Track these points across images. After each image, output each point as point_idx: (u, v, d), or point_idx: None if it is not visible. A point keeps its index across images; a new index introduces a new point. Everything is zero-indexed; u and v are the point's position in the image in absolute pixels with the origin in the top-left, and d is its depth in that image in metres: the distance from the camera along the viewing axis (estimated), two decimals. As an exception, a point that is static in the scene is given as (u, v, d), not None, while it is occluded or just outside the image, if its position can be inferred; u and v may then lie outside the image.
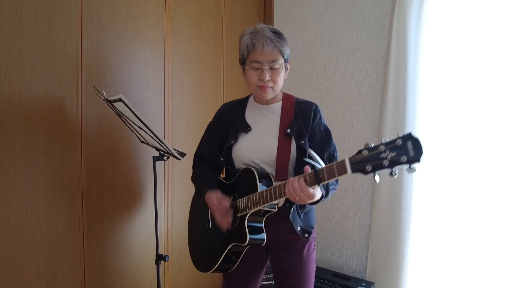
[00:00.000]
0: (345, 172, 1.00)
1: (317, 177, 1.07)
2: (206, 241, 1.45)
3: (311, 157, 1.12)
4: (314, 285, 2.18)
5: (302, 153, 1.30)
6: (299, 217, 1.37)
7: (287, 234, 1.36)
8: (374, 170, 0.95)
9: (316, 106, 1.38)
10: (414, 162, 0.89)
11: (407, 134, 0.90)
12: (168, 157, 1.64)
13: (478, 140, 1.98)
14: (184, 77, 2.04)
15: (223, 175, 1.51)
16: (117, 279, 1.75)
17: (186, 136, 2.08)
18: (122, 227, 1.76)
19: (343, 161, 1.00)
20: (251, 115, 1.41)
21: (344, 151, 2.41)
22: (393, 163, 0.91)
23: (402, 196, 2.15)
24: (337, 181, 1.31)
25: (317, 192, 1.15)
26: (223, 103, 1.88)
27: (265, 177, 1.29)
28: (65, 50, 1.47)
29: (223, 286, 1.55)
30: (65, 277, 1.52)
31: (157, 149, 1.61)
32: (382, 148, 0.93)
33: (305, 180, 1.09)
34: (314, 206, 1.42)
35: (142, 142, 1.67)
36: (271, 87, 1.30)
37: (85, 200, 1.57)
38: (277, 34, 1.29)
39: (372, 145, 0.95)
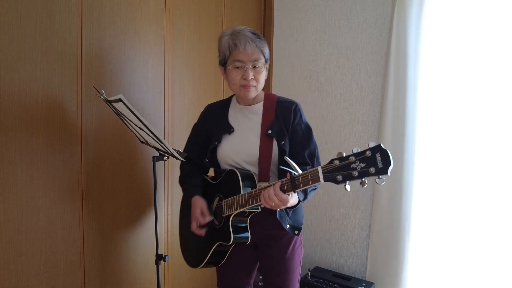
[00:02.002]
0: (318, 180, 1.03)
1: (293, 184, 1.09)
2: (194, 239, 1.48)
3: (287, 164, 1.15)
4: (314, 285, 2.20)
5: (283, 153, 1.33)
6: (288, 215, 1.39)
7: (274, 230, 1.39)
8: (344, 181, 0.97)
9: (296, 105, 1.41)
10: (382, 174, 0.91)
11: (377, 146, 0.93)
12: (168, 157, 1.64)
13: (478, 140, 1.98)
14: (184, 77, 2.04)
15: (212, 174, 1.54)
16: (117, 279, 1.75)
17: (186, 136, 2.07)
18: (122, 227, 1.76)
19: (316, 170, 1.03)
20: (234, 116, 1.44)
21: (344, 151, 2.42)
22: (362, 174, 0.94)
23: (402, 196, 2.15)
24: None
25: (292, 198, 1.17)
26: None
27: (248, 178, 1.32)
28: (65, 50, 1.47)
29: (217, 282, 1.57)
30: (65, 277, 1.52)
31: (157, 149, 1.61)
32: (352, 159, 0.96)
33: (282, 186, 1.12)
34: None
35: (142, 142, 1.67)
36: (254, 86, 1.33)
37: (85, 200, 1.57)
38: (257, 35, 1.33)
39: (344, 155, 0.98)
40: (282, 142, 1.33)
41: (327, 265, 2.51)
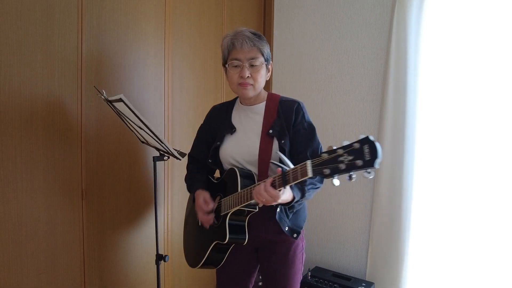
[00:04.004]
0: (307, 175, 0.99)
1: (283, 179, 1.08)
2: (195, 238, 1.50)
3: (280, 159, 1.13)
4: (314, 285, 2.20)
5: (283, 152, 1.32)
6: (287, 217, 1.38)
7: (274, 234, 1.38)
8: (332, 174, 0.93)
9: (299, 104, 1.40)
10: (368, 167, 0.87)
11: (365, 138, 0.88)
12: (168, 157, 1.64)
13: (478, 140, 1.98)
14: (184, 77, 2.04)
15: (217, 175, 1.54)
16: (117, 279, 1.75)
17: (186, 136, 2.08)
18: (122, 227, 1.76)
19: (305, 164, 1.00)
20: (237, 116, 1.45)
21: (344, 151, 2.42)
22: (349, 167, 0.89)
23: (402, 196, 2.15)
24: (319, 180, 1.32)
25: (285, 194, 1.15)
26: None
27: (248, 177, 1.32)
28: (65, 50, 1.47)
29: (216, 284, 1.57)
30: (65, 277, 1.52)
31: (157, 149, 1.61)
32: (341, 151, 0.91)
33: (274, 182, 1.11)
34: (306, 205, 1.45)
35: (142, 142, 1.67)
36: (252, 85, 1.34)
37: (85, 200, 1.57)
38: (257, 35, 1.34)
39: (334, 148, 0.94)
40: (283, 141, 1.33)
41: (327, 265, 2.51)
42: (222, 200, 1.37)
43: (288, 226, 1.37)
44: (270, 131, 1.34)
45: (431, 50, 2.06)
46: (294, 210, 1.39)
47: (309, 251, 2.55)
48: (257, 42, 1.31)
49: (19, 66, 1.33)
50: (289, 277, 1.42)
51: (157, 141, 1.47)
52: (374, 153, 0.86)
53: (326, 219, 2.52)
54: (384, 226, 2.23)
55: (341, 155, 0.91)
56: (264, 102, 1.42)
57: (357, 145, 0.88)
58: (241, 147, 1.38)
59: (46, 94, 1.41)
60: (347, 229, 2.44)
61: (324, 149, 1.29)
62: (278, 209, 1.33)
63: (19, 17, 1.32)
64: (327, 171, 0.93)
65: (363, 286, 2.20)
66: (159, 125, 1.91)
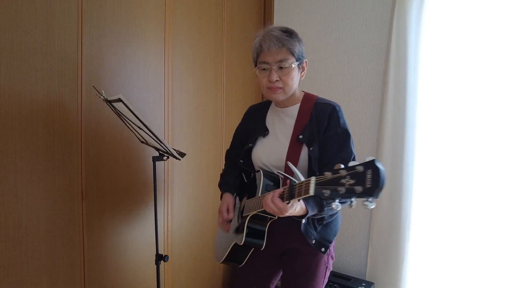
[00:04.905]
0: (308, 192, 0.89)
1: (290, 193, 1.00)
2: (223, 234, 1.50)
3: (290, 169, 1.07)
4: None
5: (312, 160, 1.24)
6: (315, 229, 1.29)
7: (298, 243, 1.31)
8: (331, 197, 0.83)
9: (334, 107, 1.29)
10: (368, 196, 0.75)
11: (370, 161, 0.76)
12: (168, 157, 1.64)
13: (478, 140, 1.98)
14: (184, 77, 2.04)
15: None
16: (117, 279, 1.75)
17: (186, 136, 2.08)
18: (122, 227, 1.76)
19: (309, 180, 0.90)
20: (270, 119, 1.40)
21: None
22: (349, 192, 0.78)
23: (402, 196, 2.14)
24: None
25: (294, 208, 1.06)
26: (223, 103, 1.88)
27: (273, 180, 1.26)
28: (65, 50, 1.47)
29: (237, 280, 1.54)
30: (65, 277, 1.52)
31: (157, 149, 1.61)
32: (343, 172, 0.81)
33: (282, 194, 1.04)
34: (339, 217, 1.36)
35: (142, 142, 1.67)
36: (281, 88, 1.25)
37: (85, 200, 1.57)
38: (288, 32, 1.22)
39: (341, 167, 0.83)
40: (311, 148, 1.23)
41: (327, 265, 2.51)
42: (247, 201, 1.35)
43: (315, 239, 1.28)
44: (300, 136, 1.26)
45: (431, 50, 2.06)
46: (324, 222, 1.29)
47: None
48: (287, 42, 1.21)
49: (19, 66, 1.33)
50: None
51: (156, 141, 1.47)
52: (376, 181, 0.74)
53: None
54: (384, 226, 2.23)
55: (343, 177, 0.80)
56: (299, 104, 1.33)
57: (360, 168, 0.77)
58: (270, 151, 1.34)
59: (46, 94, 1.41)
60: (347, 229, 2.44)
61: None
62: (304, 221, 1.23)
63: (19, 17, 1.32)
64: (327, 192, 0.83)
65: (363, 286, 2.20)
66: (159, 125, 1.91)
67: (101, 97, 1.37)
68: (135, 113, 1.29)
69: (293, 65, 1.23)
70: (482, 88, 1.95)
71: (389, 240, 2.21)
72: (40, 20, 1.38)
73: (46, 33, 1.40)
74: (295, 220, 1.18)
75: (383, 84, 2.23)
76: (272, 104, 1.43)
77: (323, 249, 1.29)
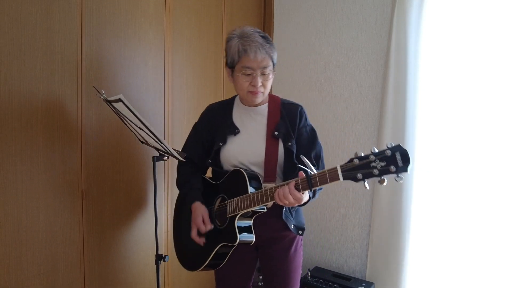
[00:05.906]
0: (337, 179, 1.06)
1: (309, 183, 1.12)
2: (194, 242, 1.43)
3: (303, 163, 1.16)
4: (314, 285, 2.20)
5: (290, 154, 1.34)
6: (292, 216, 1.41)
7: (275, 231, 1.40)
8: (364, 178, 1.02)
9: (301, 107, 1.42)
10: (402, 172, 0.97)
11: (396, 146, 0.98)
12: (168, 157, 1.64)
13: (478, 140, 1.98)
14: (184, 77, 2.04)
15: (209, 175, 1.53)
16: (117, 279, 1.75)
17: (186, 136, 2.08)
18: (122, 227, 1.76)
19: (335, 169, 1.06)
20: (238, 117, 1.43)
21: (344, 151, 2.43)
22: (383, 172, 0.99)
23: (402, 196, 2.15)
24: None
25: (305, 196, 1.20)
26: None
27: (254, 178, 1.33)
28: (65, 50, 1.47)
29: (216, 284, 1.56)
30: (65, 277, 1.52)
31: (157, 149, 1.61)
32: (372, 157, 1.01)
33: (297, 185, 1.14)
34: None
35: (142, 142, 1.67)
36: (262, 92, 1.34)
37: (85, 200, 1.57)
38: (266, 39, 1.31)
39: (362, 155, 1.03)
40: (289, 144, 1.34)
41: (327, 265, 2.51)
42: (227, 201, 1.35)
43: (293, 224, 1.41)
44: (276, 133, 1.34)
45: (431, 50, 2.06)
46: (295, 209, 1.43)
47: (309, 251, 2.56)
48: (269, 49, 1.29)
49: (19, 66, 1.33)
50: (291, 272, 1.44)
51: (156, 141, 1.47)
52: (406, 160, 0.96)
53: (326, 219, 2.52)
54: (384, 226, 2.23)
55: (373, 161, 1.00)
56: (267, 104, 1.42)
57: (389, 152, 0.98)
58: (246, 148, 1.37)
59: (46, 94, 1.41)
60: (347, 229, 2.44)
61: (323, 153, 1.45)
62: (284, 209, 1.36)
63: (19, 17, 1.32)
64: (360, 175, 1.02)
65: (363, 286, 2.20)
66: (159, 125, 1.91)
67: (102, 97, 1.37)
68: (136, 113, 1.29)
69: (272, 71, 1.33)
70: (482, 88, 1.95)
71: (389, 240, 2.22)
72: (40, 20, 1.38)
73: (46, 33, 1.40)
74: (274, 210, 1.34)
75: (383, 84, 2.23)
76: (237, 102, 1.46)
77: (300, 232, 1.43)
